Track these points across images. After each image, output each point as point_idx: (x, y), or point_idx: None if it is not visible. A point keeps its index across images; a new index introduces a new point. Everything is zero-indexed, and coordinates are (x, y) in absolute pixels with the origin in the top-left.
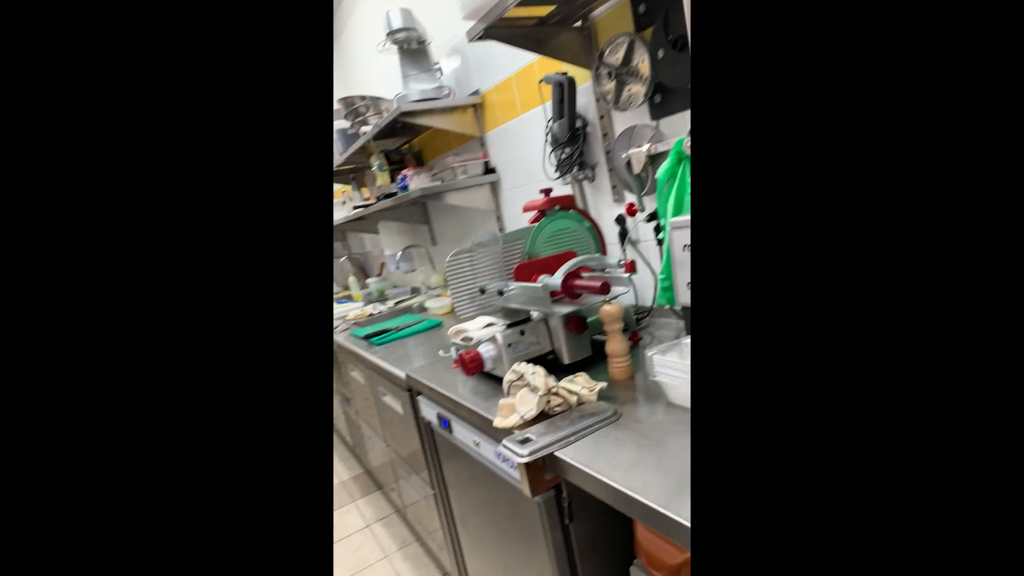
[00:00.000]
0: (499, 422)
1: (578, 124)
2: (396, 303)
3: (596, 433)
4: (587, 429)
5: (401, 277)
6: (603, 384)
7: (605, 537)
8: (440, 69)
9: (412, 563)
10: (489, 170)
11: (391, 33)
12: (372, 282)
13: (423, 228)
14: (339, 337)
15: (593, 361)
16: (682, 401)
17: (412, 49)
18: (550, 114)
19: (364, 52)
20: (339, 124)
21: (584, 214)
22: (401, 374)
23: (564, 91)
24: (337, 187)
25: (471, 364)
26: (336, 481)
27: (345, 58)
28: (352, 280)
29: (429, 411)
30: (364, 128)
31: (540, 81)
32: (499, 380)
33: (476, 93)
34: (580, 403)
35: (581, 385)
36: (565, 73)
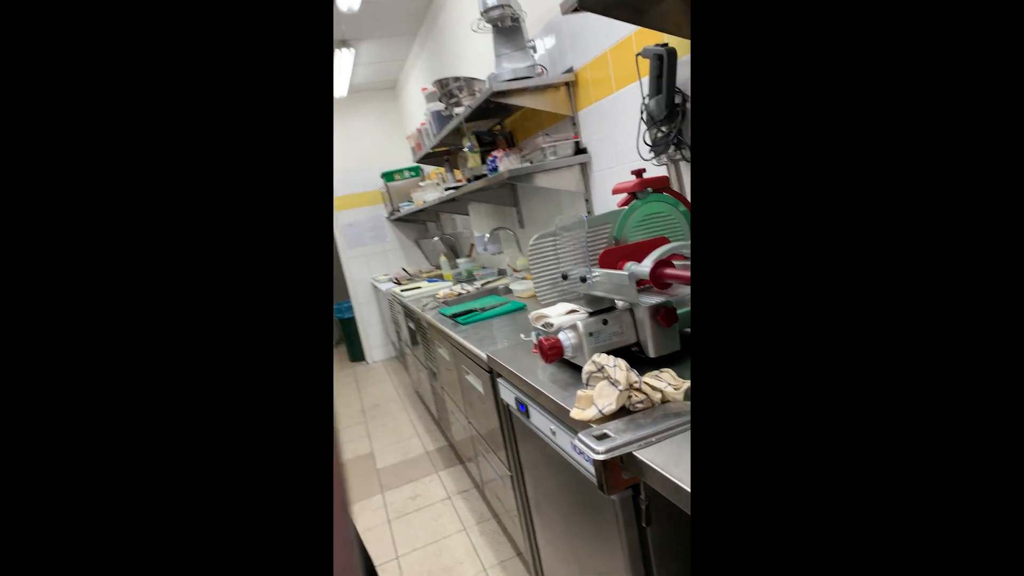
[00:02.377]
0: (576, 414)
1: (677, 100)
2: (483, 284)
3: (680, 435)
4: (670, 430)
5: (489, 258)
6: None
7: (686, 543)
8: (534, 47)
9: (488, 539)
10: (580, 150)
11: (486, 11)
12: (462, 262)
13: (511, 210)
14: (428, 314)
15: (682, 356)
16: None
17: (506, 27)
18: (647, 90)
19: (460, 34)
20: (433, 106)
21: (680, 197)
22: (483, 355)
23: (664, 64)
24: (431, 169)
25: (550, 351)
26: (421, 451)
27: (441, 42)
28: (443, 260)
29: (508, 394)
30: (457, 110)
31: (638, 54)
32: (579, 368)
33: (570, 71)
34: (664, 401)
35: (667, 382)
36: (665, 44)
